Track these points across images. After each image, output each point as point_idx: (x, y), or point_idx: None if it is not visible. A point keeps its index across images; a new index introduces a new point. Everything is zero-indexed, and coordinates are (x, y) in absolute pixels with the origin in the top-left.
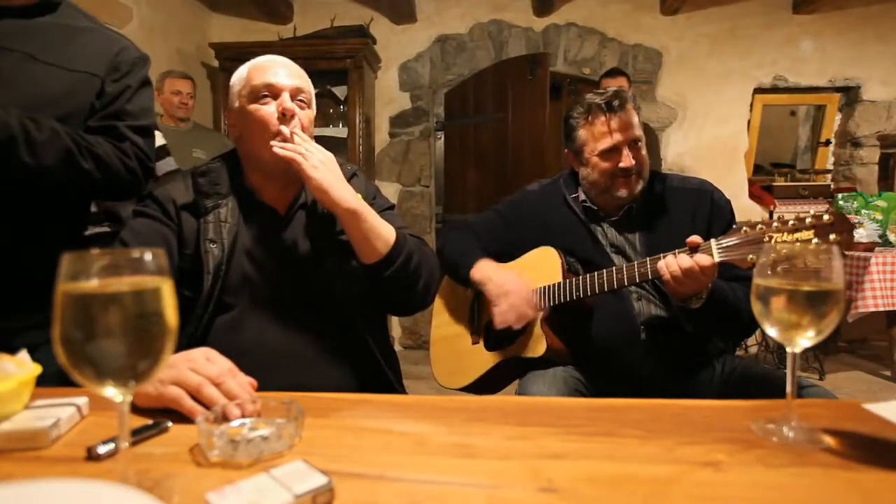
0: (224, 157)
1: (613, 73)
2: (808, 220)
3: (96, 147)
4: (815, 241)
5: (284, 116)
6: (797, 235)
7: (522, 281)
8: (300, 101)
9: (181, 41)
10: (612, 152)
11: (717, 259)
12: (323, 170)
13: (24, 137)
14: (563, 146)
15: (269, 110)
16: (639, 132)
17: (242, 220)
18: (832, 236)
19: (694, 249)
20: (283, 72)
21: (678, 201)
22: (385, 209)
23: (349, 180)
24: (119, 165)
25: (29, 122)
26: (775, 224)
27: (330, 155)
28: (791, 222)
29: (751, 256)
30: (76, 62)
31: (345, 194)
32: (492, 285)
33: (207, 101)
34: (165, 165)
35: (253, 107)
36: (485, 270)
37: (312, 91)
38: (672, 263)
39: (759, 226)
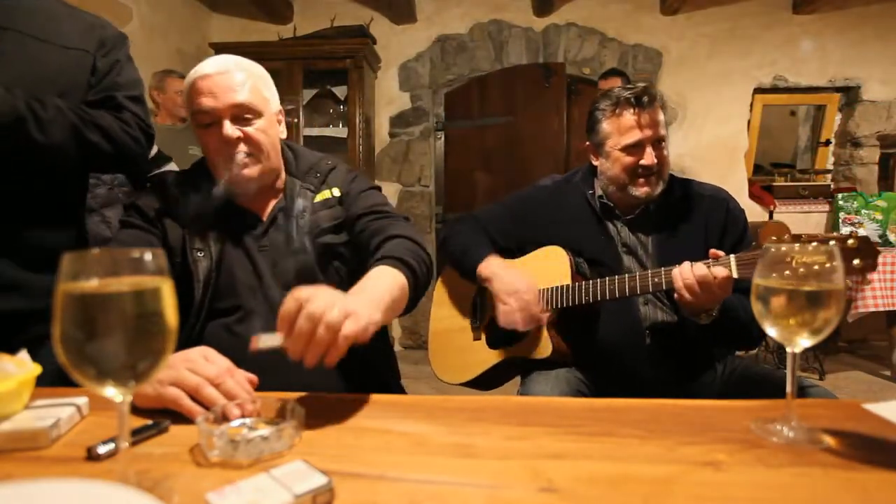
0: (202, 163)
1: (612, 73)
2: (831, 243)
3: (100, 119)
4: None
5: (227, 144)
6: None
7: (531, 282)
8: (246, 117)
9: (181, 41)
10: (636, 148)
11: (735, 275)
12: (360, 308)
13: (32, 117)
14: (586, 138)
15: (214, 139)
16: (664, 131)
17: (227, 227)
18: (856, 261)
19: (716, 262)
20: (218, 89)
21: (694, 207)
22: (366, 190)
23: (327, 175)
24: (124, 135)
25: (34, 101)
26: (797, 246)
27: (328, 295)
28: (814, 244)
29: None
30: (66, 39)
31: (375, 312)
32: (499, 283)
33: None
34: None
35: (203, 136)
36: (492, 267)
37: (264, 91)
38: (687, 273)
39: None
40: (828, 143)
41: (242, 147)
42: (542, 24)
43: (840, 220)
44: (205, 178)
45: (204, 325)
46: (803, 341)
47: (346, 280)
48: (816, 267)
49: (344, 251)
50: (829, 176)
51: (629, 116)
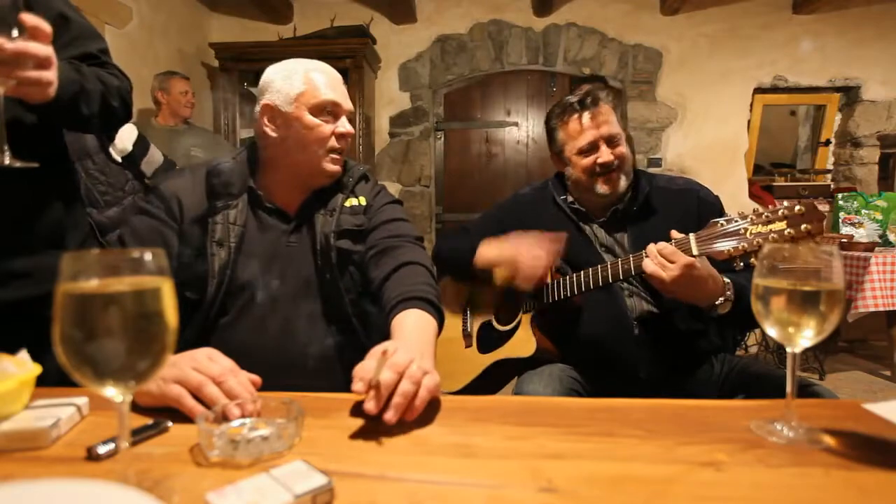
0: (238, 155)
1: (590, 80)
2: (780, 212)
3: (110, 80)
4: (787, 231)
5: (343, 137)
6: (771, 227)
7: (520, 238)
8: (350, 121)
9: (181, 41)
10: (590, 150)
11: (695, 253)
12: (432, 367)
13: (83, 91)
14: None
15: (330, 128)
16: (614, 129)
17: (251, 222)
18: (804, 226)
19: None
20: (341, 90)
21: (665, 201)
22: (387, 203)
23: (357, 183)
24: (125, 92)
25: (78, 73)
26: (750, 216)
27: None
28: (765, 214)
29: (728, 249)
30: None
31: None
32: (501, 265)
33: (207, 101)
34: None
35: (314, 121)
36: (486, 254)
37: None
38: (651, 250)
39: (735, 219)
40: (828, 143)
41: (346, 145)
42: (541, 24)
43: (840, 220)
44: (240, 170)
45: (215, 320)
46: (803, 341)
47: (358, 286)
48: (816, 266)
49: (358, 259)
50: (829, 176)
51: (575, 121)
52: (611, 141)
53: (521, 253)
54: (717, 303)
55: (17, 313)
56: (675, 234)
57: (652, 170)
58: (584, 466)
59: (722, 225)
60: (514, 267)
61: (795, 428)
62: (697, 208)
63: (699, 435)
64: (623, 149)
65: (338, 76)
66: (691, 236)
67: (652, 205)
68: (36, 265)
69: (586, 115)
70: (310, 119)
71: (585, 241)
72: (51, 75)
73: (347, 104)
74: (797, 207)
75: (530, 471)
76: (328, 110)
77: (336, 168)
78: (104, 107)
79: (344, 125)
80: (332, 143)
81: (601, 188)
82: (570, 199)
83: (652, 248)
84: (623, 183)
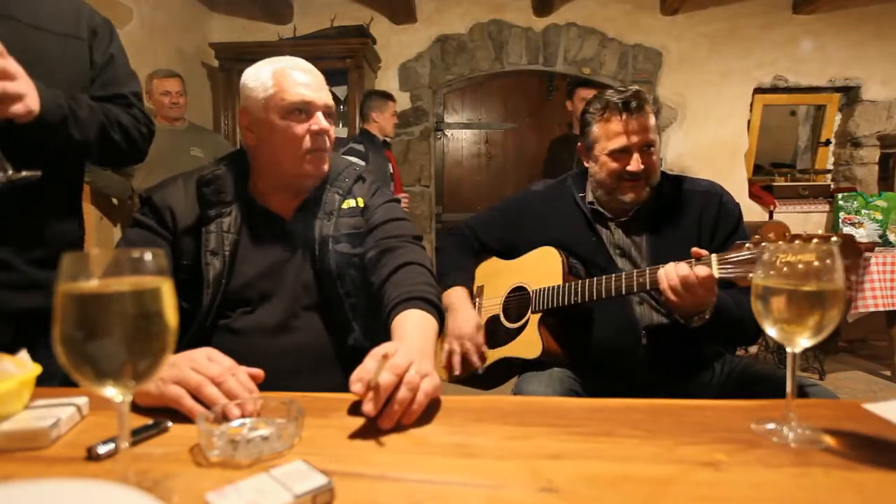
0: (229, 161)
1: (587, 84)
2: (814, 242)
3: (120, 118)
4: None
5: (318, 135)
6: (801, 257)
7: (478, 330)
8: (328, 116)
9: (181, 41)
10: (622, 154)
11: (716, 275)
12: (431, 368)
13: (72, 116)
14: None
15: (303, 128)
16: (653, 136)
17: (246, 228)
18: None
19: (698, 262)
20: (314, 84)
21: (687, 204)
22: (385, 203)
23: (354, 184)
24: (137, 133)
25: (71, 100)
26: (796, 245)
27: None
28: (797, 242)
29: (751, 275)
30: (59, 25)
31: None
32: (451, 321)
33: (207, 101)
34: None
35: (284, 123)
36: (454, 302)
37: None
38: (671, 272)
39: (763, 244)
40: (828, 143)
41: (325, 143)
42: (541, 25)
43: (840, 220)
44: (232, 175)
45: (212, 328)
46: (803, 341)
47: (357, 288)
48: (816, 266)
49: (357, 261)
50: (829, 176)
51: (616, 122)
52: (645, 149)
53: (463, 336)
54: (695, 317)
55: (34, 321)
56: (696, 251)
57: None
58: (584, 466)
59: (749, 248)
60: (452, 342)
61: (795, 428)
62: (718, 213)
63: (699, 435)
64: (655, 157)
65: (310, 70)
66: (713, 257)
67: (674, 207)
68: (50, 279)
69: (630, 120)
70: (280, 122)
71: (598, 242)
72: (15, 87)
73: (322, 99)
74: (833, 239)
75: (530, 471)
76: (299, 109)
77: (317, 168)
78: (102, 138)
79: (318, 122)
80: (307, 143)
81: (625, 196)
82: (589, 198)
83: (674, 276)
84: (647, 191)
